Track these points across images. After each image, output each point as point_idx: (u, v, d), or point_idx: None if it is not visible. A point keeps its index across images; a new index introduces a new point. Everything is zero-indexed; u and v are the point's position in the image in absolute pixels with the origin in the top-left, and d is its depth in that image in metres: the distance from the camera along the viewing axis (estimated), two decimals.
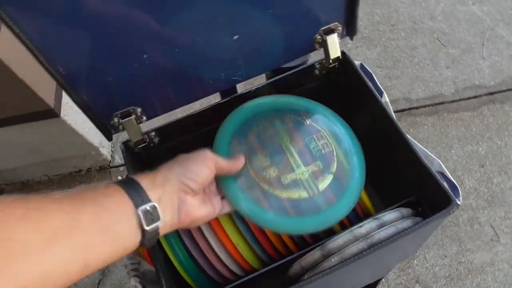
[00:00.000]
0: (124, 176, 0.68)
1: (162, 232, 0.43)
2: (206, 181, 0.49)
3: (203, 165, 0.49)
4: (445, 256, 1.11)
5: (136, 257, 0.63)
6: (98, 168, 1.41)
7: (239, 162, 0.55)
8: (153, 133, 0.64)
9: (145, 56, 0.50)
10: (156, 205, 0.41)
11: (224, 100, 0.65)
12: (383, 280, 1.09)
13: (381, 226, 0.55)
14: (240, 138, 0.60)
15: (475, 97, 1.37)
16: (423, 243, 0.68)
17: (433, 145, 1.28)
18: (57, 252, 0.32)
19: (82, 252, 0.34)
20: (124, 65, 0.51)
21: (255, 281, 0.58)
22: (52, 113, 1.12)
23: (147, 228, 0.40)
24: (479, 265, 1.09)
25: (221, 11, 0.50)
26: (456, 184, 0.57)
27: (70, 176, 1.41)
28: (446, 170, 0.58)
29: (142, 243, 0.41)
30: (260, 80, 0.68)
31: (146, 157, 0.66)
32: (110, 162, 1.40)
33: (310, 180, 0.58)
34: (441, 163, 0.59)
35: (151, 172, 0.45)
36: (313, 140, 0.61)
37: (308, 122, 0.63)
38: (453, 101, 1.37)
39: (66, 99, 1.17)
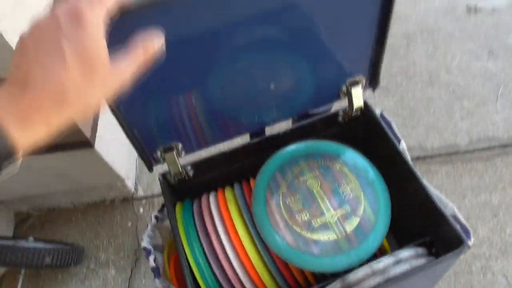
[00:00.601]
0: (149, 222, 0.71)
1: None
2: None
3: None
4: None
5: (166, 281, 0.68)
6: (122, 199, 1.46)
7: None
8: (189, 167, 0.70)
9: (192, 100, 0.58)
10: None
11: (254, 141, 0.72)
12: None
13: (397, 262, 0.59)
14: (274, 184, 0.66)
15: (488, 148, 1.41)
16: (436, 283, 0.71)
17: (447, 193, 1.31)
18: None
19: None
20: (173, 107, 0.58)
21: None
22: (87, 144, 1.20)
23: None
24: None
25: (261, 62, 0.58)
26: (468, 227, 0.61)
27: (95, 206, 1.47)
28: (459, 214, 0.63)
29: None
30: (286, 123, 0.75)
31: (180, 188, 0.72)
32: (133, 194, 1.46)
33: (338, 223, 0.63)
34: (454, 207, 0.64)
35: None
36: (342, 185, 0.66)
37: (338, 167, 0.68)
38: (466, 152, 1.41)
39: (100, 131, 1.25)
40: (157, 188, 1.46)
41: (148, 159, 0.65)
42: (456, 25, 1.79)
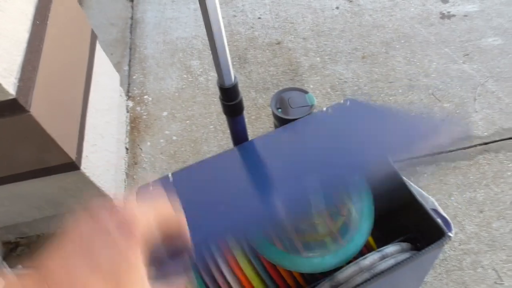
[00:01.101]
0: None
1: None
2: None
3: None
4: None
5: None
6: None
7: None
8: None
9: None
10: None
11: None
12: None
13: (383, 258, 0.61)
14: None
15: (470, 147, 1.45)
16: (423, 277, 0.72)
17: (433, 193, 1.34)
18: None
19: None
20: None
21: None
22: (73, 166, 1.20)
23: None
24: None
25: None
26: (448, 220, 0.63)
27: None
28: (439, 207, 0.65)
29: None
30: None
31: None
32: None
33: (324, 224, 0.65)
34: (434, 201, 0.66)
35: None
36: None
37: None
38: (450, 151, 1.45)
39: (86, 152, 1.25)
40: None
41: None
42: (431, 31, 1.84)
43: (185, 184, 0.73)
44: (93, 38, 1.45)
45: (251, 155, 0.75)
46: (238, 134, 0.80)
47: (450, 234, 0.60)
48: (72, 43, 1.30)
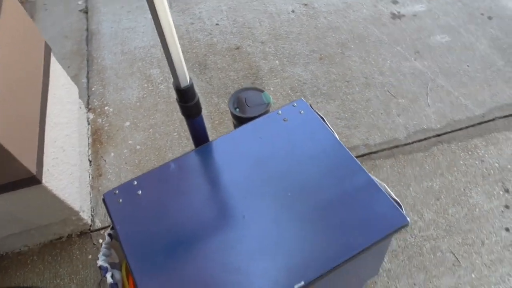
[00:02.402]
0: (105, 240, 0.73)
1: None
2: None
3: None
4: (414, 284, 1.18)
5: None
6: (79, 233, 1.44)
7: None
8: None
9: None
10: None
11: None
12: None
13: None
14: None
15: (425, 139, 1.52)
16: (381, 259, 0.76)
17: (393, 184, 1.40)
18: None
19: None
20: None
21: None
22: (34, 180, 1.18)
23: None
24: None
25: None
26: (400, 203, 0.67)
27: (51, 244, 1.43)
28: (391, 192, 0.69)
29: None
30: None
31: None
32: (90, 226, 1.44)
33: None
34: (386, 186, 0.70)
35: None
36: None
37: None
38: (406, 144, 1.51)
39: (47, 166, 1.23)
40: None
41: None
42: (383, 31, 1.93)
43: (149, 189, 0.74)
44: (47, 51, 1.44)
45: (211, 157, 0.77)
46: (198, 135, 0.81)
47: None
48: (25, 57, 1.28)
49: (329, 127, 0.78)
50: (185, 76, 0.69)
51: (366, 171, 0.72)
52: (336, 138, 0.78)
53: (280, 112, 0.87)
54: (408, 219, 0.65)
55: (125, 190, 0.75)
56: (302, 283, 0.60)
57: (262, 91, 0.97)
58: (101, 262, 0.68)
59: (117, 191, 0.74)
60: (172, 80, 0.71)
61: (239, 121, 0.92)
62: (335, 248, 0.63)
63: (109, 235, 0.71)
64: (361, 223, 0.67)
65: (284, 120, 0.84)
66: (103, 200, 0.76)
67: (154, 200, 0.71)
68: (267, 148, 0.78)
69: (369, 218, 0.67)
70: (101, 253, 0.69)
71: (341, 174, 0.73)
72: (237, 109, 0.93)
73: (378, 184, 0.70)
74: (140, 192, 0.73)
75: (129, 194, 0.74)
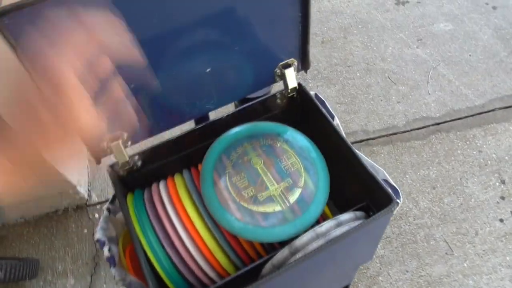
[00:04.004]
0: (102, 214, 0.74)
1: None
2: None
3: None
4: (407, 271, 1.20)
5: (122, 270, 0.69)
6: (75, 207, 1.44)
7: None
8: (136, 157, 0.72)
9: (132, 86, 0.60)
10: None
11: (198, 127, 0.75)
12: None
13: (338, 225, 0.64)
14: (220, 166, 0.70)
15: (423, 127, 1.52)
16: (376, 244, 0.77)
17: (389, 171, 1.40)
18: None
19: None
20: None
21: (231, 285, 0.66)
22: None
23: None
24: (437, 277, 1.18)
25: (195, 49, 0.61)
26: (397, 188, 0.67)
27: (47, 217, 1.44)
28: (389, 178, 0.69)
29: None
30: (229, 108, 0.78)
31: (130, 179, 0.74)
32: (87, 200, 1.44)
33: (282, 195, 0.68)
34: (384, 172, 0.70)
35: None
36: (283, 160, 0.71)
37: (278, 145, 0.73)
38: (405, 132, 1.51)
39: None
40: (111, 192, 1.45)
41: (95, 150, 0.66)
42: (387, 17, 1.91)
43: None
44: None
45: None
46: None
47: (398, 201, 0.64)
48: None
49: (330, 111, 0.77)
50: None
51: None
52: None
53: None
54: (399, 201, 0.65)
55: None
56: None
57: None
58: (98, 235, 0.68)
59: None
60: None
61: None
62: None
63: (108, 209, 0.71)
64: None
65: None
66: None
67: None
68: None
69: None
70: (99, 226, 0.69)
71: None
72: None
73: (377, 169, 0.70)
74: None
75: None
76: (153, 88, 0.62)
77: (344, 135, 0.72)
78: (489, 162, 1.42)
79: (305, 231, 0.65)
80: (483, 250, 1.23)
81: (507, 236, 1.25)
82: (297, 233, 0.65)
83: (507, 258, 1.21)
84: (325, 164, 0.72)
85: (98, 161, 0.68)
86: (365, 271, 1.21)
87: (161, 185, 0.71)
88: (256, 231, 0.65)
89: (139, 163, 0.72)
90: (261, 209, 0.66)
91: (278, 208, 0.66)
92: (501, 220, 1.29)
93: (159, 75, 0.62)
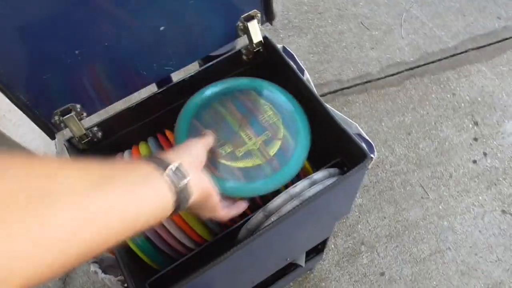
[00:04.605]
0: None
1: (190, 198, 0.44)
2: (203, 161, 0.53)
3: (201, 146, 0.54)
4: (384, 218, 1.22)
5: None
6: None
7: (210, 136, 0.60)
8: (95, 128, 0.67)
9: (76, 52, 0.54)
10: (178, 164, 0.43)
11: (159, 91, 0.70)
12: (332, 246, 1.18)
13: (312, 184, 0.62)
14: (194, 130, 0.65)
15: (398, 73, 1.50)
16: (352, 199, 0.76)
17: (365, 120, 1.39)
18: (100, 197, 0.31)
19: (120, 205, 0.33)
20: (57, 63, 0.54)
21: (207, 252, 0.64)
22: None
23: (180, 185, 0.41)
24: (414, 221, 1.21)
25: (145, 4, 0.55)
26: (371, 142, 0.65)
27: None
28: (362, 131, 0.67)
29: (177, 205, 0.41)
30: (194, 68, 0.73)
31: (92, 152, 0.69)
32: None
33: (261, 148, 0.65)
34: (357, 126, 0.67)
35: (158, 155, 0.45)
36: (259, 114, 0.68)
37: (252, 99, 0.69)
38: (379, 79, 1.49)
39: (2, 111, 1.16)
40: None
41: (46, 126, 0.61)
42: None
43: None
44: None
45: None
46: None
47: (372, 155, 0.62)
48: None
49: (300, 64, 0.73)
50: None
51: None
52: None
53: None
54: (373, 156, 0.64)
55: None
56: None
57: None
58: None
59: None
60: None
61: None
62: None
63: None
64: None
65: None
66: None
67: None
68: None
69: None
70: None
71: None
72: None
73: (350, 123, 0.67)
74: None
75: None
76: (102, 50, 0.57)
77: (314, 90, 0.68)
78: (462, 104, 1.42)
79: (286, 186, 0.63)
80: (457, 192, 1.25)
81: (479, 177, 1.27)
82: (277, 187, 0.63)
83: (480, 197, 1.24)
84: (304, 115, 0.69)
85: (52, 137, 0.63)
86: (344, 220, 1.22)
87: (126, 154, 0.67)
88: (234, 186, 0.62)
89: (99, 134, 0.68)
90: (240, 164, 0.63)
91: (257, 162, 0.63)
92: (474, 161, 1.30)
93: (107, 35, 0.56)
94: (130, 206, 0.34)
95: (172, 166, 0.42)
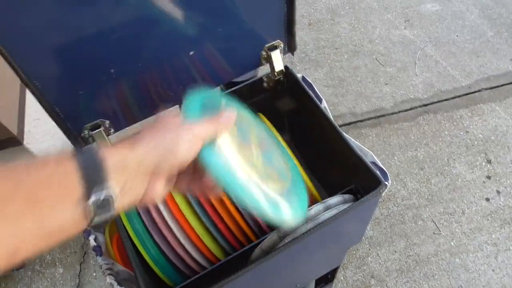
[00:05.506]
0: None
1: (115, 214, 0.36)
2: (187, 164, 0.40)
3: (193, 149, 0.39)
4: (395, 252, 1.21)
5: (109, 259, 0.68)
6: None
7: (231, 114, 0.45)
8: None
9: (112, 70, 0.58)
10: (114, 196, 0.34)
11: None
12: (342, 277, 1.17)
13: (326, 208, 0.63)
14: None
15: (411, 109, 1.52)
16: (365, 227, 0.77)
17: (378, 153, 1.40)
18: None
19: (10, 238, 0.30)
20: (93, 79, 0.58)
21: (220, 271, 0.65)
22: (15, 141, 1.15)
23: (96, 219, 0.34)
24: (425, 256, 1.20)
25: (177, 31, 0.59)
26: (385, 170, 0.67)
27: None
28: (377, 160, 0.69)
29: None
30: None
31: None
32: None
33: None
34: (373, 154, 0.69)
35: (123, 148, 0.36)
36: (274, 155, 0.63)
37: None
38: (393, 113, 1.51)
39: (28, 127, 1.20)
40: None
41: (76, 139, 0.64)
42: None
43: None
44: None
45: None
46: None
47: (386, 183, 0.64)
48: None
49: (318, 93, 0.76)
50: None
51: None
52: None
53: None
54: (387, 183, 0.65)
55: None
56: None
57: None
58: None
59: None
60: None
61: None
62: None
63: None
64: None
65: None
66: None
67: None
68: None
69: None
70: None
71: None
72: None
73: (365, 151, 0.69)
74: None
75: None
76: (136, 71, 0.61)
77: (331, 118, 0.71)
78: (475, 142, 1.43)
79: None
80: (470, 229, 1.25)
81: (492, 215, 1.27)
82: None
83: (493, 236, 1.23)
84: (292, 159, 0.69)
85: None
86: (354, 252, 1.22)
87: None
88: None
89: None
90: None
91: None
92: (487, 199, 1.30)
93: (142, 60, 0.60)
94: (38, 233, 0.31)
95: (100, 196, 0.33)
